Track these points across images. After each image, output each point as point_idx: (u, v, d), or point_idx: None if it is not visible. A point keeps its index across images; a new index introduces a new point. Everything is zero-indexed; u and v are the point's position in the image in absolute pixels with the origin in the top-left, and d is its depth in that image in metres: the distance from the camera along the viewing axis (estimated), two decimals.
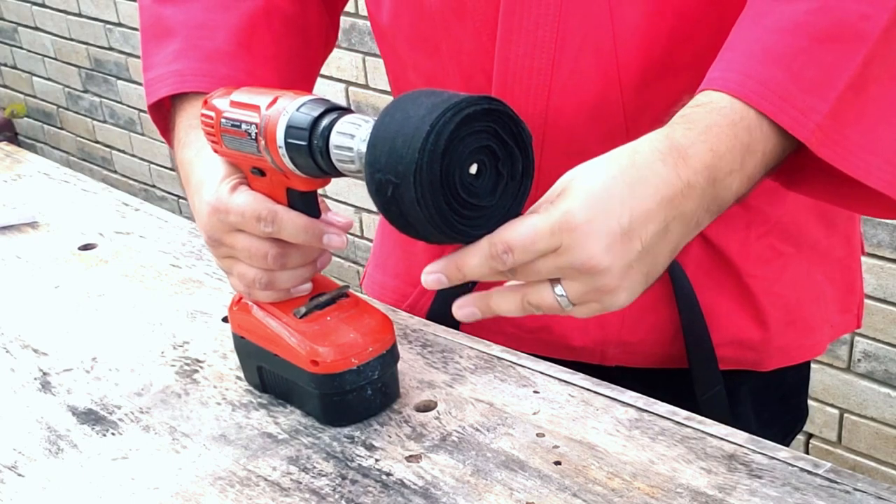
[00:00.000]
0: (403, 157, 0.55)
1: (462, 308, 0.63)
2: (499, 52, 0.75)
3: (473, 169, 0.57)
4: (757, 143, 0.61)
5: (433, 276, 0.60)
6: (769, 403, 0.94)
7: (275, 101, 0.66)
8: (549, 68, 0.74)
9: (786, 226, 0.85)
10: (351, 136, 0.61)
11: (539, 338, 0.88)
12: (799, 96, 0.60)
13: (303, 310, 0.72)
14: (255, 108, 0.67)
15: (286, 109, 0.65)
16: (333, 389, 0.71)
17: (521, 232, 0.57)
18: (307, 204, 0.70)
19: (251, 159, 0.69)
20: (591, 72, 0.74)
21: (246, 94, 0.69)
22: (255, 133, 0.66)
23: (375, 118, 0.60)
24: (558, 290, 0.59)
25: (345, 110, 0.64)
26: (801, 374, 0.97)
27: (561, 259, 0.57)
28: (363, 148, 0.60)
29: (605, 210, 0.57)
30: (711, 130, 0.60)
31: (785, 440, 0.99)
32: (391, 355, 0.73)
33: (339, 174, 0.64)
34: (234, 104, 0.69)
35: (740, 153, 0.60)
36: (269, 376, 0.76)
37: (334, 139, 0.62)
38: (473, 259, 0.59)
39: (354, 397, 0.72)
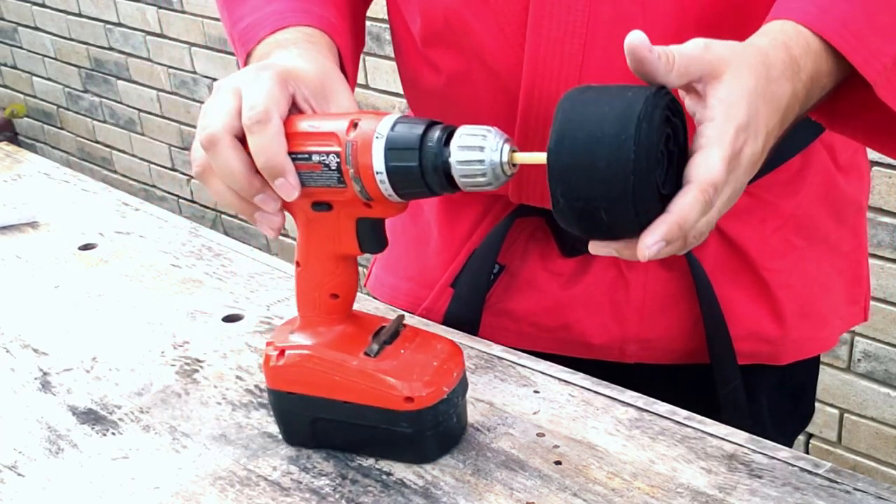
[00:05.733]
0: (615, 182, 0.53)
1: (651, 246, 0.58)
2: (529, 37, 0.75)
3: None
4: (831, 76, 0.64)
5: (655, 247, 0.56)
6: (783, 401, 0.94)
7: (353, 124, 0.61)
8: (581, 54, 0.74)
9: (799, 219, 0.86)
10: (480, 149, 0.59)
11: (558, 337, 0.88)
12: (871, 38, 0.63)
13: (375, 347, 0.68)
14: (331, 135, 0.62)
15: (378, 131, 0.60)
16: (429, 423, 0.67)
17: (717, 169, 0.56)
18: (377, 232, 0.66)
19: (321, 192, 0.64)
20: (623, 58, 0.74)
21: (305, 121, 0.63)
22: (338, 163, 0.62)
23: (495, 128, 0.59)
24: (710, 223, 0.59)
25: (439, 123, 0.61)
26: (811, 371, 0.98)
27: (729, 186, 0.58)
28: (496, 158, 0.58)
29: (755, 133, 0.58)
30: (815, 48, 0.63)
31: (793, 438, 1.00)
32: (466, 377, 0.71)
33: (454, 190, 0.61)
34: (292, 135, 0.63)
35: (828, 79, 0.64)
36: (329, 428, 0.70)
37: (459, 155, 0.59)
38: (693, 211, 0.56)
39: (445, 427, 0.69)
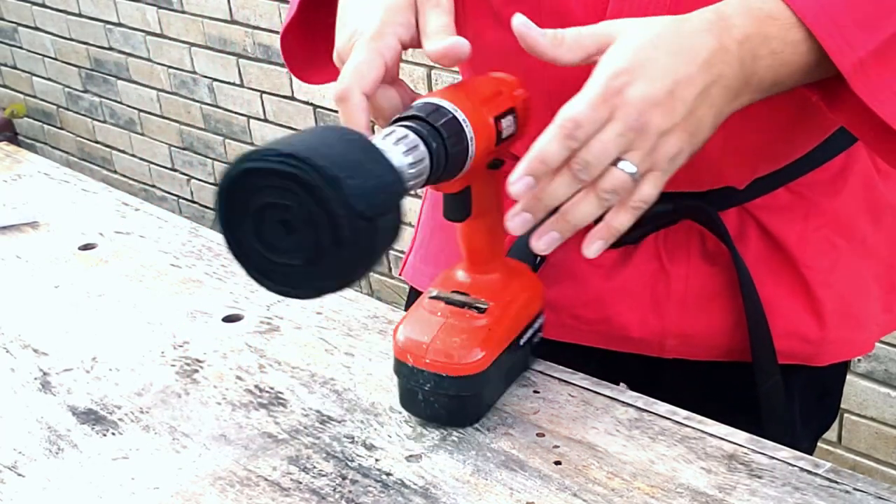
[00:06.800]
0: None
1: (540, 238, 0.64)
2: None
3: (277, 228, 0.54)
4: (795, 50, 0.64)
5: (521, 181, 0.61)
6: (811, 401, 0.94)
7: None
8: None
9: (840, 220, 0.85)
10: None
11: (597, 330, 0.87)
12: (850, 28, 0.63)
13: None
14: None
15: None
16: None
17: (575, 105, 0.60)
18: (455, 201, 0.70)
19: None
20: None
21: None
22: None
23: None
24: (622, 164, 0.61)
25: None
26: (841, 372, 0.97)
27: (619, 125, 0.60)
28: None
29: (649, 76, 0.60)
30: (761, 14, 0.63)
31: (817, 439, 0.99)
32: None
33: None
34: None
35: (783, 45, 0.63)
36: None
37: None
38: (551, 145, 0.60)
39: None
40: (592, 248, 0.65)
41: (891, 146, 0.67)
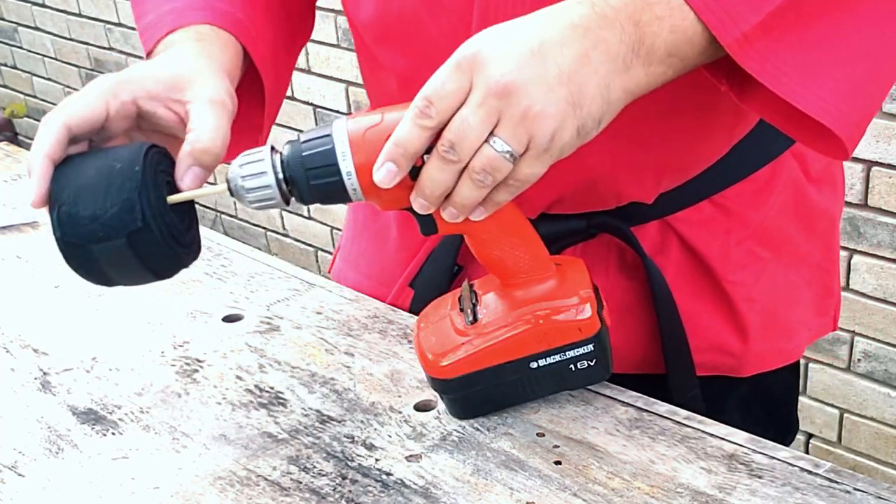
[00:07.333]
0: None
1: (443, 211, 0.62)
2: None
3: None
4: (685, 16, 0.61)
5: (381, 168, 0.60)
6: (757, 414, 0.93)
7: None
8: None
9: (767, 231, 0.85)
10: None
11: None
12: (731, 3, 0.60)
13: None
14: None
15: None
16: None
17: (429, 82, 0.59)
18: (417, 218, 0.66)
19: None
20: None
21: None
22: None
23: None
24: (495, 142, 0.58)
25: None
26: (788, 383, 0.97)
27: (477, 93, 0.57)
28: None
29: (509, 37, 0.58)
30: None
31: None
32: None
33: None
34: None
35: (668, 10, 0.60)
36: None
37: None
38: (403, 128, 0.59)
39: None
40: (476, 213, 0.63)
41: (805, 126, 0.64)
